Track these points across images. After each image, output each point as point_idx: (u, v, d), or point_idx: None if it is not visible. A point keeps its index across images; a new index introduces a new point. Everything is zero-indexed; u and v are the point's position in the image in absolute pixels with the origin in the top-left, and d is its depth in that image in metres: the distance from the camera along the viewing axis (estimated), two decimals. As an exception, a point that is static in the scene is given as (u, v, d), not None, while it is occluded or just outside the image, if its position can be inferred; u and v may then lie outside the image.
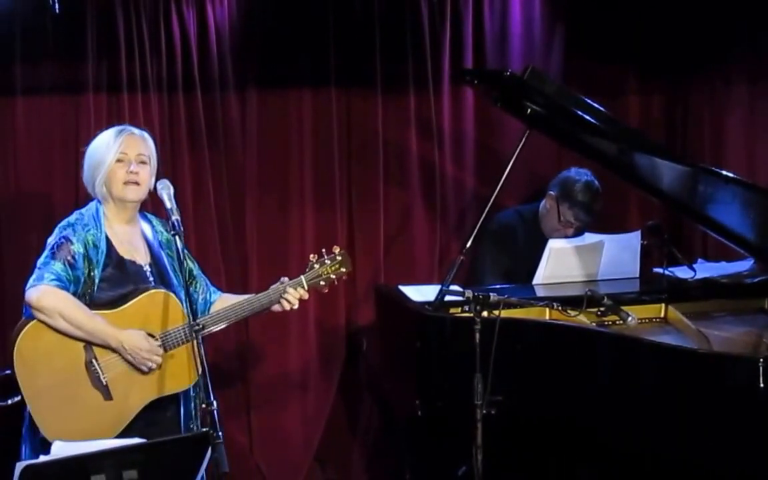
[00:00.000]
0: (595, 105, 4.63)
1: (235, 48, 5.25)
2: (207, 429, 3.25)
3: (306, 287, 4.07)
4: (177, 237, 3.75)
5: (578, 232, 5.07)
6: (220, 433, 3.27)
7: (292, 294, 4.04)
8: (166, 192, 3.88)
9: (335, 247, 4.12)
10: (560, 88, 4.76)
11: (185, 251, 3.99)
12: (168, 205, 3.83)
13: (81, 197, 5.04)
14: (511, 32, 5.55)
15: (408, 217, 5.53)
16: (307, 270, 4.08)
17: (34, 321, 3.86)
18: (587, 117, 4.59)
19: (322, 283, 4.09)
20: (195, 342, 3.59)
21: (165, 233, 4.10)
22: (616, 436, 4.24)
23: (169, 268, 4.04)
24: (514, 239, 5.20)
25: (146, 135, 4.07)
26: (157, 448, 2.92)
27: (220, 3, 5.20)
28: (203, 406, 3.39)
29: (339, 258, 4.11)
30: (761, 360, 3.81)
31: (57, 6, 4.63)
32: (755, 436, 3.86)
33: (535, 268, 4.90)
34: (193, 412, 4.04)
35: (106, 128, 4.10)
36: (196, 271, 4.17)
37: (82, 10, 4.99)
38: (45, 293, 3.84)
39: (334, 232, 5.35)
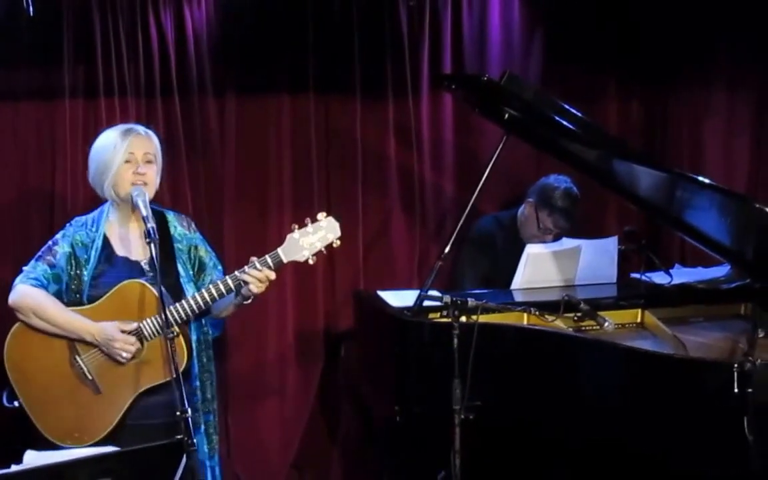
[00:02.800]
0: (573, 110, 4.61)
1: (213, 52, 5.22)
2: (181, 436, 3.22)
3: (272, 266, 3.82)
4: (152, 245, 3.64)
5: (557, 238, 5.08)
6: (195, 441, 3.25)
7: (254, 274, 3.81)
8: (142, 199, 3.85)
9: (320, 213, 3.86)
10: (538, 93, 4.74)
11: (200, 244, 4.07)
12: (144, 212, 3.79)
13: (57, 203, 5.05)
14: (490, 37, 5.53)
15: (387, 222, 5.52)
16: (283, 244, 3.84)
17: (18, 323, 3.92)
18: (565, 122, 4.58)
19: (305, 253, 3.81)
20: (169, 344, 3.54)
21: (179, 227, 4.09)
22: (594, 441, 4.25)
23: (177, 260, 4.02)
24: (493, 245, 5.21)
25: (151, 133, 4.06)
26: (130, 456, 2.91)
27: (198, 6, 5.17)
28: (177, 413, 3.35)
29: (324, 224, 3.83)
30: (735, 366, 3.82)
31: (32, 8, 4.58)
32: (730, 441, 3.86)
33: (513, 274, 4.90)
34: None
35: (108, 127, 4.08)
36: (209, 263, 4.10)
37: (58, 12, 4.94)
38: (19, 293, 3.92)
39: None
